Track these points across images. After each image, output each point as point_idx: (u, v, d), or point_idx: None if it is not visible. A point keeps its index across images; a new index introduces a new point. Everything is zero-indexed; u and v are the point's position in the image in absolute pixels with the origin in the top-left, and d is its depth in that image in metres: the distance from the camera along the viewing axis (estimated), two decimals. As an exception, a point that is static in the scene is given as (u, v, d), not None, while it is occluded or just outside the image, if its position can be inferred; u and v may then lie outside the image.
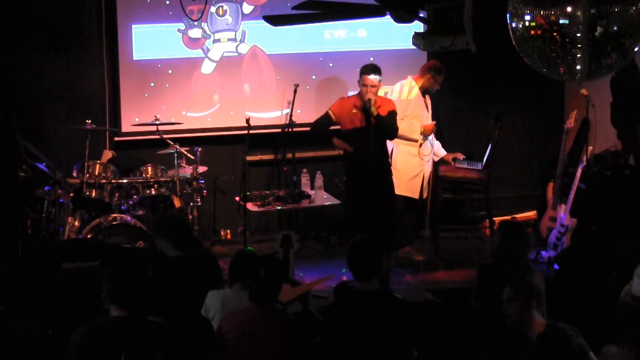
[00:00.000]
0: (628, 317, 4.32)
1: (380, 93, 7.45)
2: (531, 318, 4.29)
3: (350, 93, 7.94)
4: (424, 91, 7.61)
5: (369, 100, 7.10)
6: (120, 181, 7.34)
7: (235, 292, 4.87)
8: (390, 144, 7.57)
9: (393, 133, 7.34)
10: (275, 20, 7.08)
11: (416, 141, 7.56)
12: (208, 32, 8.05)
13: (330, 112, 7.46)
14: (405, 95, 7.55)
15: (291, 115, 7.92)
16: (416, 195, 7.63)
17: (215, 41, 8.09)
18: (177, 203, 7.31)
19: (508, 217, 8.00)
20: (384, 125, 7.16)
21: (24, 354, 4.22)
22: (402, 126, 7.45)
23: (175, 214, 6.56)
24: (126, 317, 4.17)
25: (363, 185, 7.25)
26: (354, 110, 7.26)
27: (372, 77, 7.16)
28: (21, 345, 4.21)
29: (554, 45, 3.99)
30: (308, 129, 8.17)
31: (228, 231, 8.28)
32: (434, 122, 7.66)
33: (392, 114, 7.27)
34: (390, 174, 7.43)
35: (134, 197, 7.37)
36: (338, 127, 7.53)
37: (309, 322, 4.62)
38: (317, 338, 4.39)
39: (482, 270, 5.51)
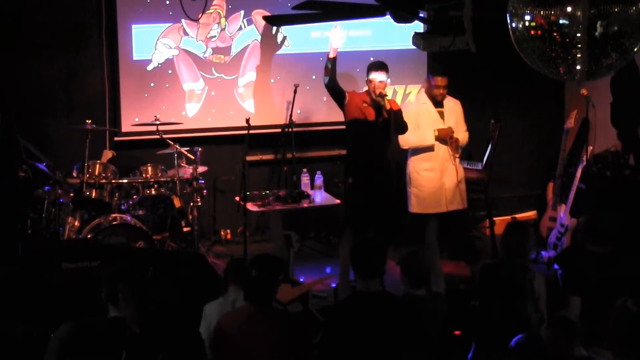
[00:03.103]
0: (626, 322, 4.29)
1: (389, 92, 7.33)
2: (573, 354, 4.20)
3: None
4: (433, 99, 7.20)
5: (381, 94, 6.98)
6: (120, 181, 7.34)
7: (229, 297, 4.89)
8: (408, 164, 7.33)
9: (405, 126, 7.24)
10: (276, 20, 7.09)
11: (432, 148, 7.18)
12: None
13: (345, 91, 7.32)
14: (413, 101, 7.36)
15: (291, 115, 7.92)
16: (441, 209, 7.19)
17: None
18: (177, 203, 7.32)
19: (508, 217, 8.01)
20: (397, 119, 7.09)
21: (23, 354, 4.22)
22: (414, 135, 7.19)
23: None
24: (125, 317, 4.17)
25: (367, 183, 7.20)
26: (364, 104, 7.17)
27: (377, 74, 7.06)
28: (20, 346, 4.21)
29: (554, 45, 3.99)
30: (308, 129, 8.18)
31: (228, 231, 8.28)
32: (449, 127, 7.20)
33: (400, 111, 7.22)
34: (391, 172, 7.36)
35: (134, 197, 7.37)
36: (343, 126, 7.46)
37: (308, 321, 4.62)
38: (316, 338, 4.39)
39: (483, 270, 5.50)
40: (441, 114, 7.17)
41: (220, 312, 4.80)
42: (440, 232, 7.29)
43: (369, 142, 7.08)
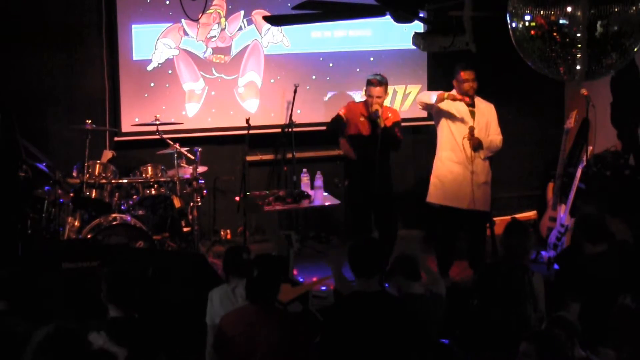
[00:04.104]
0: (628, 320, 4.28)
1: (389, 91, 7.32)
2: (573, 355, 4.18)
3: (351, 93, 7.92)
4: (464, 95, 7.09)
5: (376, 112, 7.01)
6: (120, 181, 7.33)
7: (231, 285, 4.93)
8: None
9: (397, 144, 7.25)
10: (276, 20, 7.09)
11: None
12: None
13: (341, 114, 7.29)
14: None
15: (291, 115, 7.92)
16: (462, 205, 7.10)
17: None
18: (177, 203, 7.31)
19: (508, 217, 7.99)
20: (389, 137, 7.10)
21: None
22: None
23: None
24: (124, 317, 4.17)
25: (364, 190, 7.20)
26: (362, 119, 7.19)
27: (378, 89, 7.08)
28: (20, 345, 4.21)
29: (554, 45, 3.99)
30: (308, 129, 8.18)
31: (228, 231, 8.28)
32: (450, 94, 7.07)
33: (397, 125, 7.21)
34: (390, 178, 7.36)
35: (134, 197, 7.37)
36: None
37: (308, 320, 4.63)
38: (317, 338, 4.40)
39: (483, 269, 5.51)
40: (472, 113, 7.12)
41: (222, 297, 4.88)
42: (457, 230, 7.30)
43: (367, 154, 7.10)
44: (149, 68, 7.98)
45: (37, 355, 3.24)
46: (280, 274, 4.51)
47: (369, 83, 7.11)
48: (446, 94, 7.03)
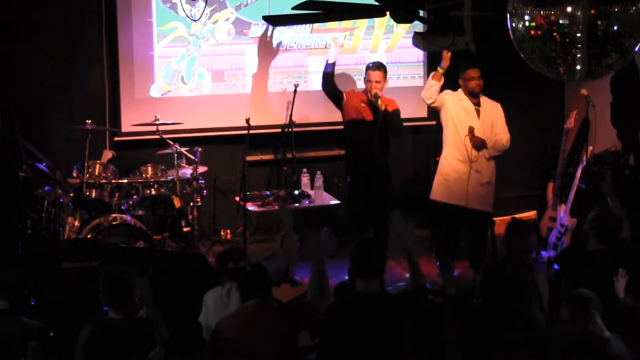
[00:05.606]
0: (631, 318, 4.28)
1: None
2: (596, 329, 4.15)
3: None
4: (471, 94, 7.07)
5: (376, 94, 6.99)
6: (120, 181, 7.34)
7: (226, 286, 4.93)
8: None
9: (399, 128, 7.25)
10: (275, 20, 7.09)
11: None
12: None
13: (342, 91, 7.28)
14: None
15: (291, 115, 7.91)
16: (461, 202, 7.06)
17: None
18: (177, 203, 7.32)
19: (508, 217, 7.99)
20: (391, 120, 7.07)
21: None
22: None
23: None
24: (123, 319, 4.17)
25: (367, 188, 7.19)
26: (362, 104, 7.18)
27: (377, 73, 7.07)
28: (21, 345, 4.21)
29: (554, 45, 3.99)
30: (308, 129, 8.18)
31: (228, 231, 8.29)
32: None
33: (397, 112, 7.21)
34: (390, 177, 7.35)
35: (134, 197, 7.38)
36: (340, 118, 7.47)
37: (305, 309, 4.63)
38: (316, 339, 4.40)
39: (485, 269, 5.49)
40: (477, 112, 7.08)
41: (215, 299, 4.87)
42: (460, 229, 7.29)
43: (367, 142, 7.08)
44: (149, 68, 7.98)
45: (87, 352, 3.30)
46: (266, 273, 4.50)
47: (368, 68, 7.10)
48: (439, 69, 6.96)
